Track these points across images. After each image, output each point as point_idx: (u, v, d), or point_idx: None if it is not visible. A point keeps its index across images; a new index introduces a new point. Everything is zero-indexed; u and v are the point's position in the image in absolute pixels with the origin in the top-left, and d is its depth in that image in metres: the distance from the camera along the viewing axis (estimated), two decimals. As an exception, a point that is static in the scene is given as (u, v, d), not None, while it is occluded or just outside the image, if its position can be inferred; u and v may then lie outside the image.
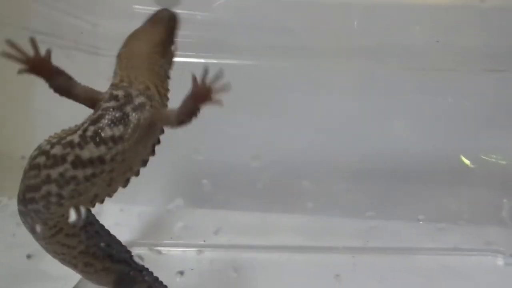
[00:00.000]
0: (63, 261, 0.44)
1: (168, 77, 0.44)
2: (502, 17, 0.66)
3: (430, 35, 0.69)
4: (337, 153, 0.72)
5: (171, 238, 0.68)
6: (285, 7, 0.65)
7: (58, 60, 0.48)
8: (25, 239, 0.42)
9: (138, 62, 0.41)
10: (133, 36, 0.43)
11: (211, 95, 0.37)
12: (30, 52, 0.37)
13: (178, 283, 0.55)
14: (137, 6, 0.60)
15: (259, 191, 0.69)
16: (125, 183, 0.41)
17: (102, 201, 0.40)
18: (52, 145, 0.37)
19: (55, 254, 0.43)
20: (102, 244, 0.46)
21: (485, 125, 0.73)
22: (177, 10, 0.60)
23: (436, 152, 0.74)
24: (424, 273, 0.66)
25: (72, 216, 0.39)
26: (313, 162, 0.72)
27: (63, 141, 0.37)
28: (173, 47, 0.44)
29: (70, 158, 0.36)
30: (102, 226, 0.48)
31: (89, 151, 0.36)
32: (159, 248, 0.66)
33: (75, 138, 0.37)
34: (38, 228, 0.39)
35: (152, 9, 0.61)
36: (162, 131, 0.42)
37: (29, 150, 0.38)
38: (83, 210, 0.39)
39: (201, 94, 0.37)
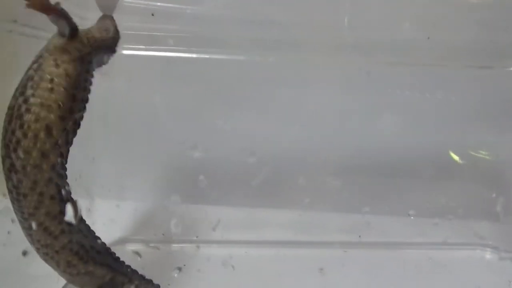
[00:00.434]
0: (46, 256, 0.43)
1: None
2: (491, 13, 0.67)
3: (420, 31, 0.69)
4: (327, 148, 0.72)
5: (164, 234, 0.68)
6: (275, 1, 0.65)
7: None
8: (20, 236, 0.41)
9: None
10: None
11: None
12: None
13: (176, 278, 0.55)
14: (126, 0, 0.59)
15: (253, 187, 0.69)
16: None
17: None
18: None
19: (39, 245, 0.42)
20: (86, 244, 0.46)
21: (474, 121, 0.74)
22: (167, 4, 0.61)
23: (425, 147, 0.74)
24: (414, 267, 0.66)
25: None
26: (303, 158, 0.72)
27: None
28: None
29: None
30: (88, 227, 0.47)
31: None
32: (155, 244, 0.66)
33: None
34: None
35: (142, 2, 0.61)
36: None
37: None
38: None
39: None
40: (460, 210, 0.72)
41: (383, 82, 0.73)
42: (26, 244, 0.43)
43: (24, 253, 0.45)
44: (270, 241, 0.70)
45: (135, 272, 0.53)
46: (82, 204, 0.43)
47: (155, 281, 0.53)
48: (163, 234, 0.67)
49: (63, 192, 0.41)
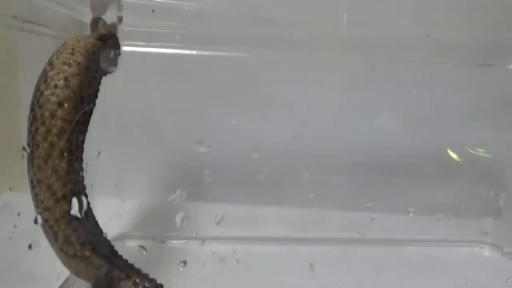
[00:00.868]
0: (46, 224, 0.44)
1: None
2: (491, 11, 0.67)
3: (419, 29, 0.69)
4: (328, 146, 0.72)
5: (163, 231, 0.68)
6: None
7: (46, 48, 0.47)
8: (26, 230, 0.41)
9: None
10: None
11: None
12: None
13: (178, 273, 0.55)
14: (127, -4, 0.59)
15: (257, 184, 0.69)
16: None
17: None
18: None
19: (41, 208, 0.44)
20: (87, 227, 0.47)
21: (473, 118, 0.74)
22: (168, 1, 0.61)
23: (424, 145, 0.74)
24: (413, 264, 0.67)
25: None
26: (304, 155, 0.72)
27: None
28: None
29: None
30: (92, 215, 0.48)
31: None
32: (158, 240, 0.66)
33: None
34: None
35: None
36: None
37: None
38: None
39: None
40: (459, 208, 0.72)
41: (384, 80, 0.73)
42: (31, 237, 0.44)
43: (30, 247, 0.45)
44: (272, 237, 0.70)
45: (133, 267, 0.53)
46: (84, 199, 0.43)
47: (158, 276, 0.53)
48: (162, 231, 0.67)
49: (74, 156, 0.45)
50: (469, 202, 0.73)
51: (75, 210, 0.44)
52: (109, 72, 0.51)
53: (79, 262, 0.47)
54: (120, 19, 0.55)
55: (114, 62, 0.52)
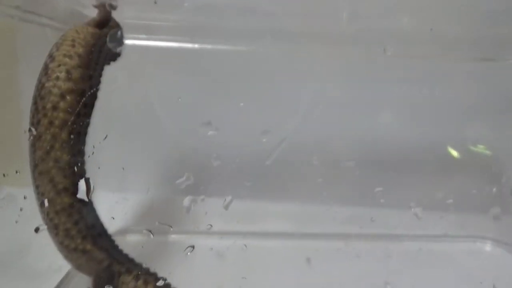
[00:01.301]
0: (47, 217, 0.44)
1: None
2: (494, 4, 0.67)
3: (420, 23, 0.69)
4: (326, 142, 0.72)
5: (159, 223, 0.67)
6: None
7: (48, 40, 0.47)
8: (32, 213, 0.41)
9: None
10: None
11: None
12: None
13: (181, 266, 0.55)
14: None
15: (256, 178, 0.69)
16: None
17: None
18: None
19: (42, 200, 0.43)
20: (88, 220, 0.47)
21: (475, 114, 0.74)
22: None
23: (425, 141, 0.74)
24: (414, 258, 0.67)
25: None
26: (303, 151, 0.72)
27: None
28: None
29: None
30: (94, 207, 0.48)
31: None
32: (167, 224, 0.66)
33: None
34: None
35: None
36: None
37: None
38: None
39: None
40: (461, 203, 0.72)
41: (384, 75, 0.73)
42: (38, 221, 0.44)
43: (37, 230, 0.45)
44: (273, 232, 0.71)
45: (133, 261, 0.52)
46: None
47: (156, 270, 0.53)
48: (158, 223, 0.67)
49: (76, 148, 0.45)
50: (471, 197, 0.73)
51: (82, 193, 0.44)
52: (116, 55, 0.51)
53: (80, 255, 0.47)
54: (111, 6, 0.54)
55: (120, 42, 0.52)
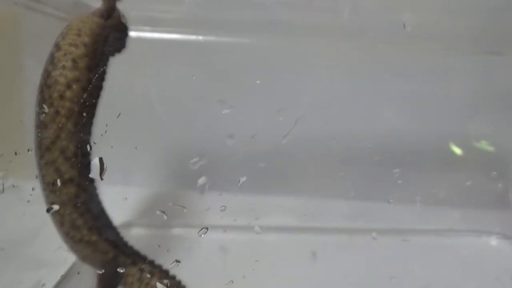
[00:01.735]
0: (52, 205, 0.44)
1: None
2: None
3: (422, 16, 0.68)
4: (328, 137, 0.72)
5: (165, 215, 0.67)
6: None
7: (53, 30, 0.47)
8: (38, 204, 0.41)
9: None
10: None
11: None
12: None
13: (185, 259, 0.54)
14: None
15: (255, 173, 0.69)
16: None
17: None
18: None
19: (48, 191, 0.43)
20: (94, 210, 0.46)
21: (476, 110, 0.74)
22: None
23: (428, 136, 0.74)
24: (420, 253, 0.67)
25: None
26: (306, 145, 0.72)
27: None
28: None
29: None
30: (100, 199, 0.47)
31: None
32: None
33: None
34: None
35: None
36: None
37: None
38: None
39: None
40: (466, 198, 0.72)
41: (386, 69, 0.72)
42: (44, 212, 0.43)
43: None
44: (277, 226, 0.70)
45: (138, 254, 0.52)
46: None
47: (161, 263, 0.53)
48: (163, 212, 0.66)
49: (81, 138, 0.44)
50: (476, 192, 0.73)
51: (95, 172, 0.44)
52: (121, 47, 0.51)
53: (85, 247, 0.47)
54: None
55: (124, 33, 0.52)
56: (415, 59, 0.71)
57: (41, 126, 0.43)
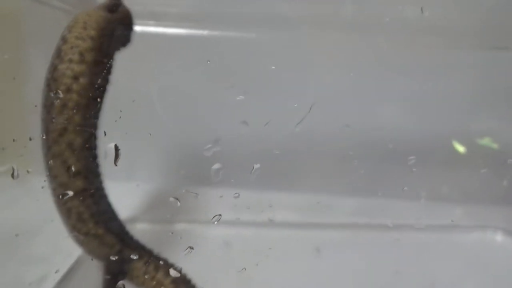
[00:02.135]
0: (59, 200, 0.44)
1: None
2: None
3: (426, 11, 0.68)
4: (330, 132, 0.72)
5: (170, 214, 0.67)
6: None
7: (59, 23, 0.47)
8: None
9: None
10: None
11: None
12: None
13: (186, 257, 0.54)
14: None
15: (258, 169, 0.68)
16: None
17: None
18: None
19: (55, 184, 0.44)
20: (101, 204, 0.47)
21: (481, 106, 0.74)
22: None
23: (431, 132, 0.74)
24: (424, 248, 0.66)
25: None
26: (309, 141, 0.72)
27: None
28: None
29: None
30: (105, 195, 0.48)
31: None
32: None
33: None
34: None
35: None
36: None
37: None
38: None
39: None
40: (471, 194, 0.72)
41: (390, 65, 0.72)
42: (50, 204, 0.44)
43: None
44: (281, 222, 0.70)
45: (144, 248, 0.52)
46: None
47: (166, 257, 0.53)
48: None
49: (88, 131, 0.44)
50: (481, 189, 0.73)
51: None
52: (126, 41, 0.50)
53: (92, 240, 0.47)
54: None
55: (130, 28, 0.52)
56: (420, 54, 0.70)
57: (48, 119, 0.43)
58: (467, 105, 0.74)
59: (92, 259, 0.50)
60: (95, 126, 0.46)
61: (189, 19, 0.65)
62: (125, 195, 0.64)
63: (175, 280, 0.50)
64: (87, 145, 0.44)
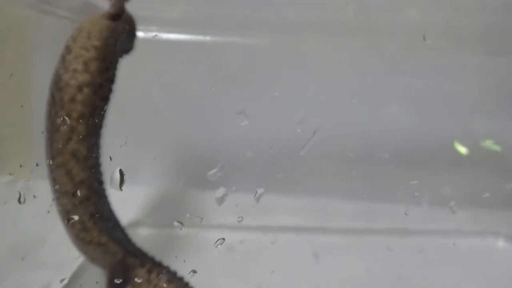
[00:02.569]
0: (63, 210, 0.44)
1: None
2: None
3: (428, 14, 0.68)
4: (333, 135, 0.72)
5: (176, 219, 0.67)
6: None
7: (64, 31, 0.47)
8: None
9: None
10: None
11: None
12: None
13: (188, 261, 0.55)
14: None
15: (258, 172, 0.69)
16: None
17: None
18: None
19: (59, 193, 0.44)
20: (105, 212, 0.47)
21: (483, 109, 0.73)
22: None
23: (433, 135, 0.73)
24: (425, 253, 0.66)
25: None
26: (313, 144, 0.71)
27: None
28: None
29: None
30: (108, 202, 0.48)
31: None
32: (175, 227, 0.65)
33: None
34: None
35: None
36: None
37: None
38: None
39: None
40: (473, 198, 0.71)
41: (392, 68, 0.72)
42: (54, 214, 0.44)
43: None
44: (283, 226, 0.70)
45: (146, 255, 0.53)
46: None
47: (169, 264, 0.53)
48: (180, 223, 0.67)
49: (92, 141, 0.44)
50: (483, 193, 0.73)
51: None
52: (129, 48, 0.51)
53: (95, 248, 0.47)
54: None
55: (133, 34, 0.52)
56: (422, 57, 0.70)
57: (52, 129, 0.43)
58: (470, 107, 0.74)
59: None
60: (99, 135, 0.46)
61: (191, 25, 0.65)
62: (127, 200, 0.64)
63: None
64: (91, 155, 0.44)
